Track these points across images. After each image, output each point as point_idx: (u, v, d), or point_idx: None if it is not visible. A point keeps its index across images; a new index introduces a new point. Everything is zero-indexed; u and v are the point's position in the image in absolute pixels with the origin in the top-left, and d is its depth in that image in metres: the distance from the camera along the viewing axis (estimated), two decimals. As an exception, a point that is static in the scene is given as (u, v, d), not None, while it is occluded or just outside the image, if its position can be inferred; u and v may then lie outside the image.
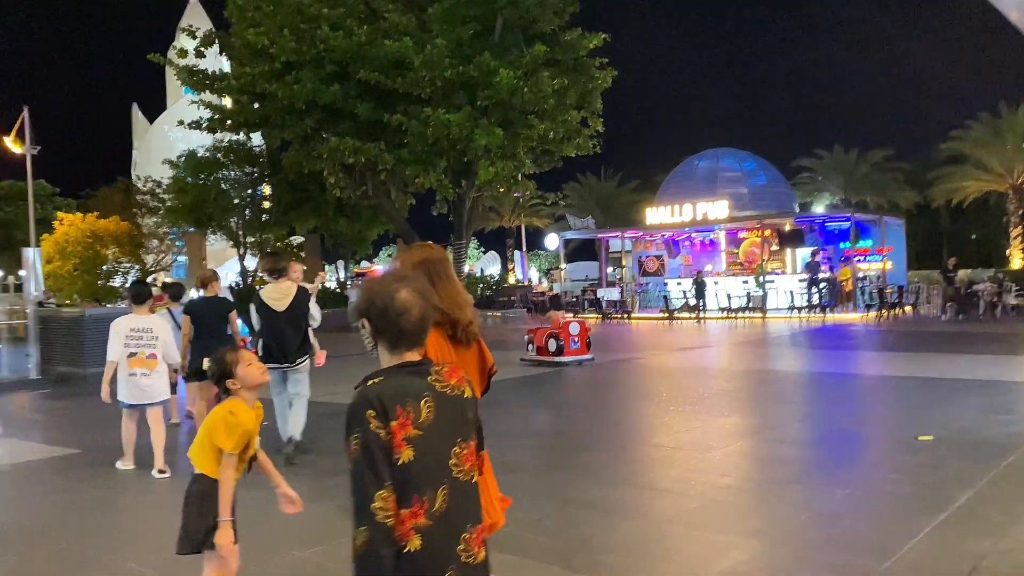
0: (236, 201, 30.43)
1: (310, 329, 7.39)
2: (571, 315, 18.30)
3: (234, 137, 28.80)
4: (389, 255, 53.08)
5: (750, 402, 10.18)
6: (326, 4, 20.32)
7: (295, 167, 23.22)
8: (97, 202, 40.04)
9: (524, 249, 54.87)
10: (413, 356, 2.04)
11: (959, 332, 18.23)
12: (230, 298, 9.57)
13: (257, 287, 9.90)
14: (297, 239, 38.31)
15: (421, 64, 19.93)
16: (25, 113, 29.49)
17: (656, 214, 31.56)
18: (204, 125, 24.27)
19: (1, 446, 8.69)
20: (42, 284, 27.33)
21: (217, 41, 23.64)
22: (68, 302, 32.85)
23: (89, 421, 10.02)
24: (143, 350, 6.73)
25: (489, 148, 20.40)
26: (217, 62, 25.38)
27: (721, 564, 4.36)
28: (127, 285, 37.53)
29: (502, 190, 27.28)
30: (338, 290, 38.72)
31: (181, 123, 25.17)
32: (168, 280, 28.34)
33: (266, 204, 32.08)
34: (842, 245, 28.48)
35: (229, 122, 24.23)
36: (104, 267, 35.21)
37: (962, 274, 28.68)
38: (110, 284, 36.06)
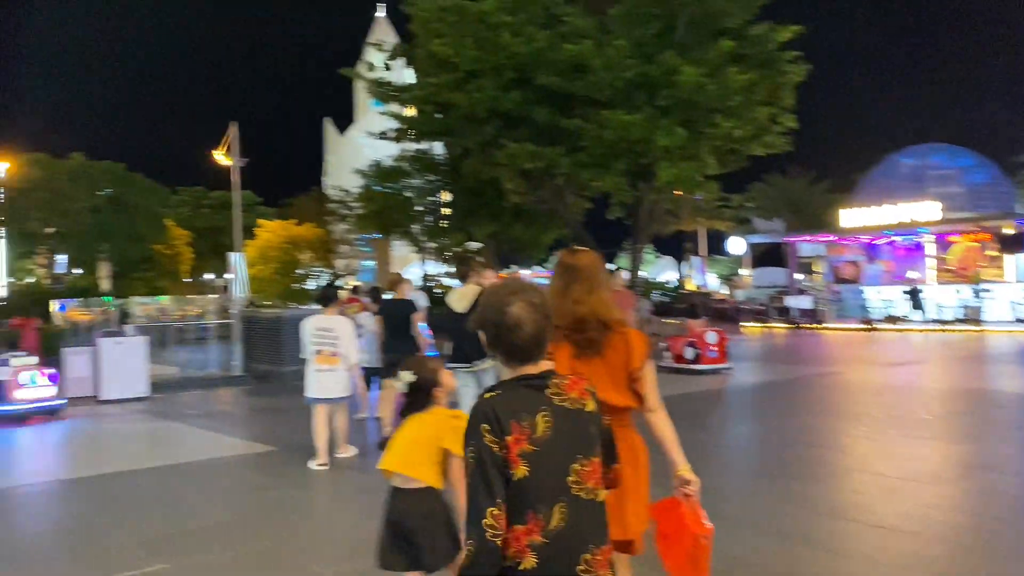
0: (419, 208, 31.42)
1: None
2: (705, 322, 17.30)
3: (418, 146, 29.76)
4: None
5: (983, 427, 8.92)
6: (507, 12, 20.42)
7: (474, 174, 23.59)
8: (294, 210, 42.95)
9: (703, 254, 53.07)
10: (532, 369, 2.00)
11: None
12: (422, 301, 9.69)
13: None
14: (474, 244, 39.16)
15: (601, 66, 19.55)
16: (233, 129, 32.09)
17: (852, 216, 29.34)
18: (390, 136, 25.22)
19: (206, 439, 9.17)
20: (247, 286, 29.58)
21: (403, 54, 24.49)
22: (267, 303, 35.38)
23: (286, 419, 10.40)
24: (326, 348, 7.10)
25: (670, 149, 19.67)
26: (402, 75, 26.32)
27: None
28: (320, 287, 39.91)
29: (679, 193, 26.35)
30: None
31: (369, 133, 26.28)
32: (362, 284, 29.67)
33: (445, 211, 32.92)
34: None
35: (413, 132, 24.99)
36: (299, 271, 37.65)
37: None
38: (303, 287, 38.50)
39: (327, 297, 7.50)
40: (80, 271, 32.62)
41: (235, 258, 29.57)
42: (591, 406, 2.02)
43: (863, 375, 13.83)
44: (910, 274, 27.29)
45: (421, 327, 8.58)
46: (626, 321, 2.95)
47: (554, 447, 1.90)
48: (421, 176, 30.98)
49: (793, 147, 21.48)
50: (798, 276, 34.00)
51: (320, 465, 7.07)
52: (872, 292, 26.63)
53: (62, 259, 32.12)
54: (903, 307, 23.26)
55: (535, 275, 39.12)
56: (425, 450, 3.21)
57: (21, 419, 10.52)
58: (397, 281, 8.60)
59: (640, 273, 25.26)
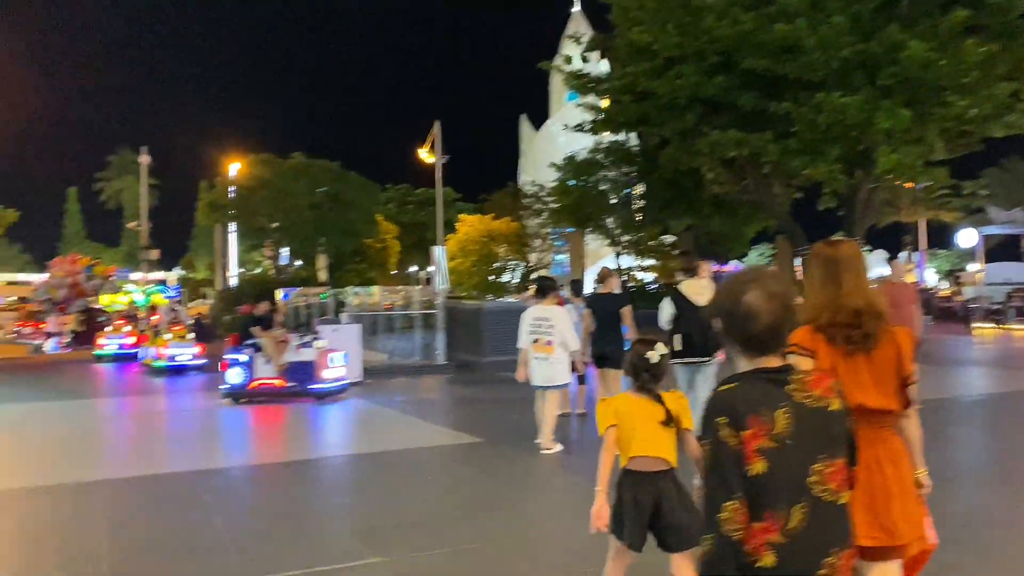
0: (613, 201, 31.11)
1: None
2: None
3: (614, 138, 29.47)
4: (761, 254, 50.61)
5: None
6: (710, -6, 19.61)
7: (672, 164, 22.96)
8: (490, 206, 44.07)
9: (922, 247, 48.64)
10: (771, 362, 1.95)
11: None
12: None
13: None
14: (669, 238, 38.27)
15: (814, 46, 18.26)
16: (436, 127, 33.38)
17: (1109, 204, 25.54)
18: (587, 128, 25.11)
19: (414, 427, 9.43)
20: (447, 279, 30.72)
21: (600, 45, 24.28)
22: (464, 295, 36.54)
23: (491, 410, 10.53)
24: (543, 337, 7.37)
25: (891, 132, 18.05)
26: (598, 67, 26.14)
27: None
28: (519, 280, 40.67)
29: (898, 182, 24.16)
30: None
31: (566, 127, 26.36)
32: (546, 275, 29.86)
33: (638, 203, 32.38)
34: None
35: (610, 123, 24.71)
36: (495, 264, 38.58)
37: None
38: (499, 280, 39.41)
39: (544, 288, 7.68)
40: (300, 263, 35.31)
41: (437, 251, 30.77)
42: (836, 405, 1.95)
43: None
44: None
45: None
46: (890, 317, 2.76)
47: (795, 445, 1.85)
48: (616, 168, 30.66)
49: (1039, 126, 19.04)
50: (1044, 272, 30.18)
51: (545, 449, 7.36)
52: None
53: (285, 251, 34.93)
54: None
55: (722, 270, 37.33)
56: (666, 431, 3.34)
57: (322, 397, 11.26)
58: (607, 275, 8.61)
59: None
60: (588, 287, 11.94)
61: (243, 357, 11.33)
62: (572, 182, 31.24)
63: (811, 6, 19.31)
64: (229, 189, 32.01)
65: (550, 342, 7.34)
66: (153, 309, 20.20)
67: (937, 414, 9.21)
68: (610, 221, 31.74)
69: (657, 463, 3.34)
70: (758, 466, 1.82)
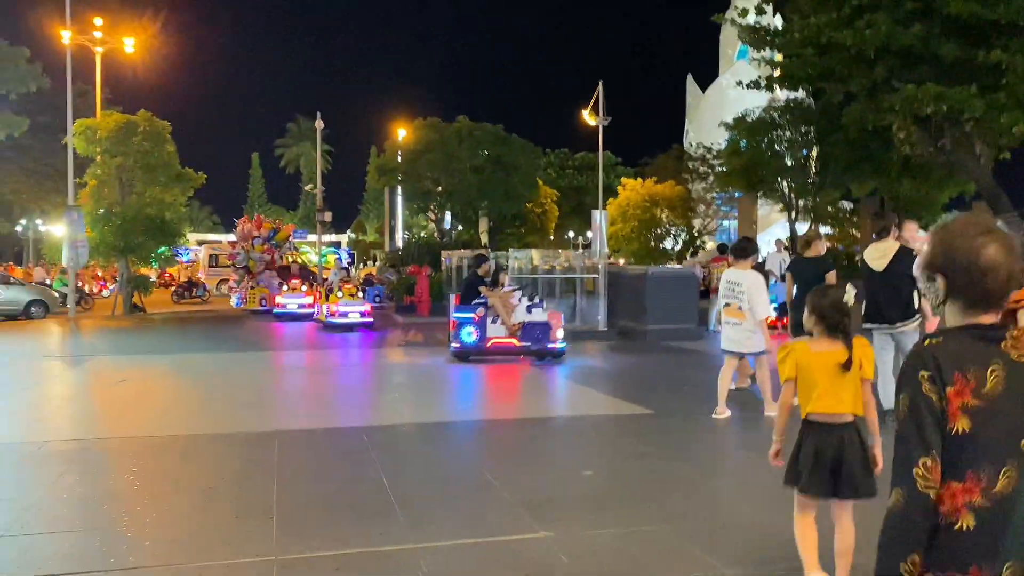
0: (789, 163, 29.31)
1: (916, 292, 6.79)
2: None
3: (791, 95, 27.68)
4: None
5: None
6: (910, -65, 17.72)
7: (857, 123, 21.31)
8: (653, 169, 42.91)
9: None
10: (987, 318, 1.81)
11: None
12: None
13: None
14: (845, 204, 35.76)
15: (1033, -15, 16.09)
16: (600, 88, 32.68)
17: None
18: (763, 85, 23.68)
19: (580, 395, 9.13)
20: (606, 244, 30.20)
21: (778, -5, 22.71)
22: (622, 261, 35.86)
23: (657, 380, 10.06)
24: (734, 302, 7.07)
25: None
26: (772, 21, 24.52)
27: None
28: (739, 239, 39.47)
29: None
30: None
31: (739, 84, 25.04)
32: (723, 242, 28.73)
33: (814, 165, 30.36)
34: None
35: (788, 79, 23.14)
36: (657, 229, 37.55)
37: None
38: (661, 246, 38.36)
39: (743, 250, 7.35)
40: (460, 227, 35.90)
41: (597, 216, 30.25)
42: None
43: None
44: None
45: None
46: None
47: (1005, 405, 1.75)
48: (793, 128, 28.82)
49: None
50: None
51: (719, 414, 7.17)
52: None
53: (447, 215, 35.62)
54: None
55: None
56: (849, 383, 3.38)
57: (558, 356, 11.46)
58: (812, 238, 8.05)
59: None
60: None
61: (475, 316, 11.42)
62: (744, 143, 29.72)
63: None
64: (397, 153, 32.89)
65: (742, 307, 7.00)
66: (327, 269, 21.13)
67: None
68: (784, 185, 29.99)
69: (840, 416, 3.39)
70: (962, 424, 1.74)
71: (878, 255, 6.83)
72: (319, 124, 30.93)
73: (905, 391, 1.80)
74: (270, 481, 5.29)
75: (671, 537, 4.31)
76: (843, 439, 3.35)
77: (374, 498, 4.95)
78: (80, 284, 26.03)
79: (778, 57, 24.34)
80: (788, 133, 29.11)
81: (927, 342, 1.82)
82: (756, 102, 30.04)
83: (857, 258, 19.10)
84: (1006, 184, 21.85)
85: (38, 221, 49.18)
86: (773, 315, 12.70)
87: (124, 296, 23.18)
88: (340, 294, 17.34)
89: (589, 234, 42.79)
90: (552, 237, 44.23)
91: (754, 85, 24.06)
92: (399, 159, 32.41)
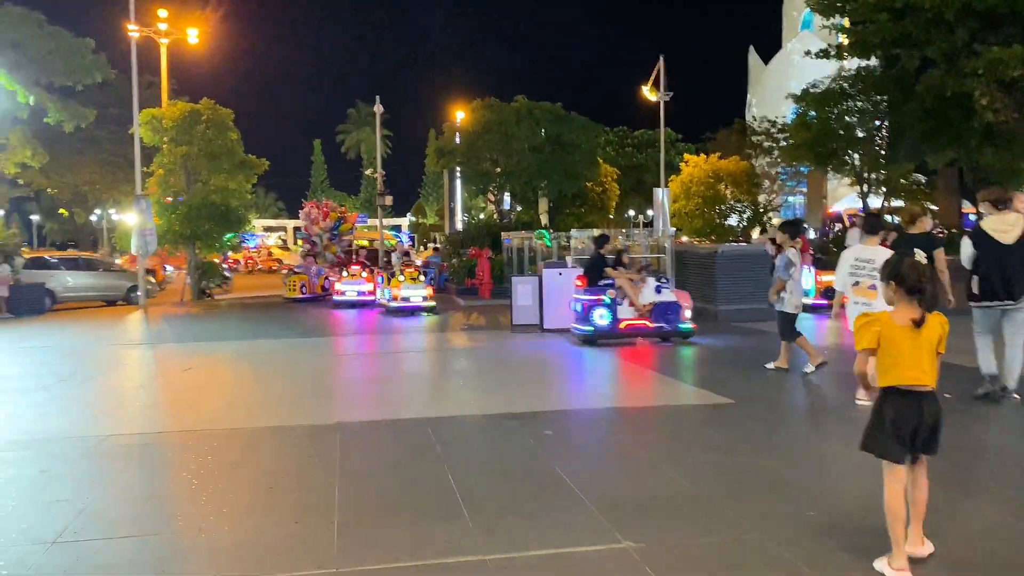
0: (861, 135, 28.03)
1: None
2: None
3: (862, 63, 26.43)
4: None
5: None
6: None
7: (934, 90, 20.28)
8: (715, 145, 41.71)
9: None
10: None
11: None
12: None
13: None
14: (919, 177, 34.18)
15: None
16: (660, 62, 31.76)
17: None
18: (832, 53, 22.69)
19: (650, 382, 8.70)
20: (669, 222, 29.43)
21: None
22: (686, 239, 34.99)
23: (733, 366, 9.58)
24: (864, 280, 6.78)
25: None
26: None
27: None
28: (745, 223, 38.38)
29: None
30: None
31: (807, 53, 24.04)
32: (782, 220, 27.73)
33: (885, 137, 28.98)
34: None
35: (861, 45, 22.07)
36: (722, 206, 36.52)
37: None
38: (726, 223, 37.31)
39: (873, 226, 7.05)
40: (520, 208, 35.46)
41: (660, 193, 29.49)
42: None
43: None
44: None
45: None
46: None
47: None
48: (865, 98, 27.54)
49: None
50: None
51: (862, 399, 6.71)
52: None
53: (507, 197, 35.23)
54: None
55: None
56: (928, 355, 3.55)
57: (687, 336, 11.47)
58: (918, 214, 7.61)
59: None
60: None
61: (606, 298, 11.17)
62: (812, 114, 28.54)
63: None
64: (455, 135, 32.59)
65: (873, 286, 6.60)
66: (388, 254, 20.97)
67: None
68: (856, 157, 28.73)
69: (923, 386, 3.55)
70: None
71: (1004, 227, 6.47)
72: (378, 108, 30.83)
73: None
74: (332, 479, 5.04)
75: (771, 543, 3.89)
76: (922, 406, 3.55)
77: (440, 499, 4.65)
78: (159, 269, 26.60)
79: (846, 23, 23.28)
80: (859, 103, 27.84)
81: None
82: (823, 72, 28.81)
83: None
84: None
85: (111, 210, 50.61)
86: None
87: (192, 282, 23.53)
88: (402, 278, 17.17)
89: (650, 212, 41.94)
90: (613, 216, 43.45)
91: (823, 54, 23.14)
92: (457, 141, 32.11)
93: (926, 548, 3.70)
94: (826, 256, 19.30)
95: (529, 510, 4.46)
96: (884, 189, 29.60)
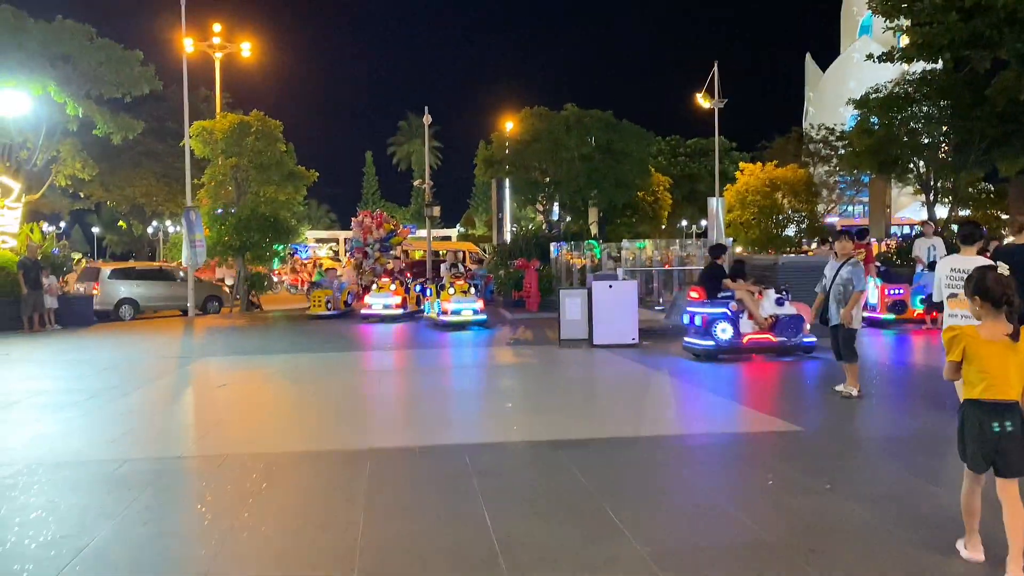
0: (926, 140, 26.82)
1: None
2: None
3: (928, 66, 25.30)
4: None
5: None
6: None
7: (1008, 92, 19.23)
8: (771, 154, 40.59)
9: None
10: None
11: None
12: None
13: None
14: (988, 185, 32.68)
15: None
16: (715, 69, 30.96)
17: None
18: (897, 56, 21.72)
19: (707, 404, 8.07)
20: (724, 232, 28.54)
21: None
22: (739, 249, 33.96)
23: (798, 388, 8.90)
24: (961, 291, 6.14)
25: None
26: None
27: None
28: (800, 233, 37.18)
29: None
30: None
31: (869, 57, 23.09)
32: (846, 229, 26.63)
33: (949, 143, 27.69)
34: None
35: (928, 47, 21.05)
36: (779, 216, 35.43)
37: None
38: (783, 233, 36.17)
39: (970, 235, 6.54)
40: (569, 219, 34.89)
41: (714, 203, 28.62)
42: None
43: None
44: None
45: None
46: None
47: None
48: (931, 102, 26.36)
49: None
50: None
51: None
52: None
53: (555, 207, 34.71)
54: None
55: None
56: (1015, 369, 3.56)
57: (809, 351, 11.04)
58: None
59: None
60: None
61: (728, 311, 10.68)
62: (874, 121, 27.43)
63: None
64: (504, 144, 32.23)
65: None
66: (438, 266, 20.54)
67: None
68: (921, 164, 27.50)
69: (1007, 401, 3.57)
70: None
71: None
72: (426, 119, 30.68)
73: None
74: (356, 516, 4.56)
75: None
76: (1005, 420, 3.56)
77: (473, 541, 4.14)
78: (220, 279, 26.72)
79: (905, 24, 22.30)
80: (925, 108, 26.66)
81: None
82: (884, 77, 27.73)
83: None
84: None
85: (168, 222, 51.53)
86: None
87: (241, 294, 23.52)
88: (452, 291, 16.55)
89: (703, 222, 40.98)
90: (665, 226, 42.58)
91: (887, 57, 22.20)
92: (506, 150, 31.74)
93: None
94: (890, 267, 18.34)
95: (572, 558, 3.91)
96: (950, 198, 28.26)
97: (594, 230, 32.04)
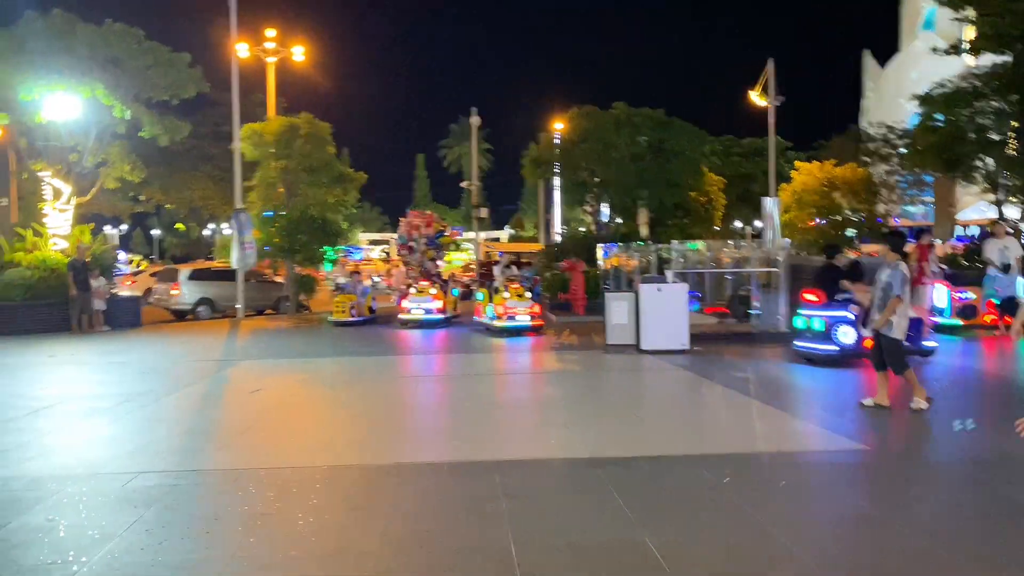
0: (995, 137, 25.48)
1: None
2: None
3: (997, 60, 24.06)
4: None
5: None
6: None
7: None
8: (828, 152, 39.28)
9: None
10: None
11: None
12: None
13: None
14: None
15: None
16: (770, 66, 30.02)
17: None
18: (964, 48, 20.69)
19: (762, 418, 7.50)
20: (779, 233, 27.60)
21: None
22: (794, 252, 32.84)
23: (858, 401, 8.26)
24: None
25: None
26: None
27: None
28: (858, 234, 35.92)
29: None
30: None
31: (934, 50, 22.04)
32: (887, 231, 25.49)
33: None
34: None
35: (998, 38, 20.02)
36: (838, 217, 34.25)
37: None
38: (844, 234, 34.92)
39: None
40: (619, 220, 34.19)
41: (769, 203, 27.68)
42: None
43: None
44: None
45: None
46: None
47: None
48: (1001, 96, 25.06)
49: None
50: None
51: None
52: None
53: (605, 208, 34.05)
54: None
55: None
56: None
57: (928, 355, 10.49)
58: None
59: None
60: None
61: (850, 314, 10.17)
62: (939, 117, 26.21)
63: None
64: (552, 145, 31.75)
65: None
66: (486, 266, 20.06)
67: None
68: (989, 162, 26.17)
69: None
70: None
71: None
72: (474, 120, 30.44)
73: None
74: (372, 543, 4.19)
75: None
76: None
77: (496, 578, 3.73)
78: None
79: (970, 15, 21.26)
80: (993, 103, 25.35)
81: None
82: (947, 73, 26.51)
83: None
84: None
85: (223, 224, 52.46)
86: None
87: (291, 296, 23.53)
88: (507, 294, 15.98)
89: (758, 223, 39.85)
90: (718, 227, 41.55)
91: (953, 50, 21.15)
92: (556, 150, 31.24)
93: None
94: (959, 270, 17.38)
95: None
96: (1021, 196, 26.85)
97: (644, 231, 31.32)
